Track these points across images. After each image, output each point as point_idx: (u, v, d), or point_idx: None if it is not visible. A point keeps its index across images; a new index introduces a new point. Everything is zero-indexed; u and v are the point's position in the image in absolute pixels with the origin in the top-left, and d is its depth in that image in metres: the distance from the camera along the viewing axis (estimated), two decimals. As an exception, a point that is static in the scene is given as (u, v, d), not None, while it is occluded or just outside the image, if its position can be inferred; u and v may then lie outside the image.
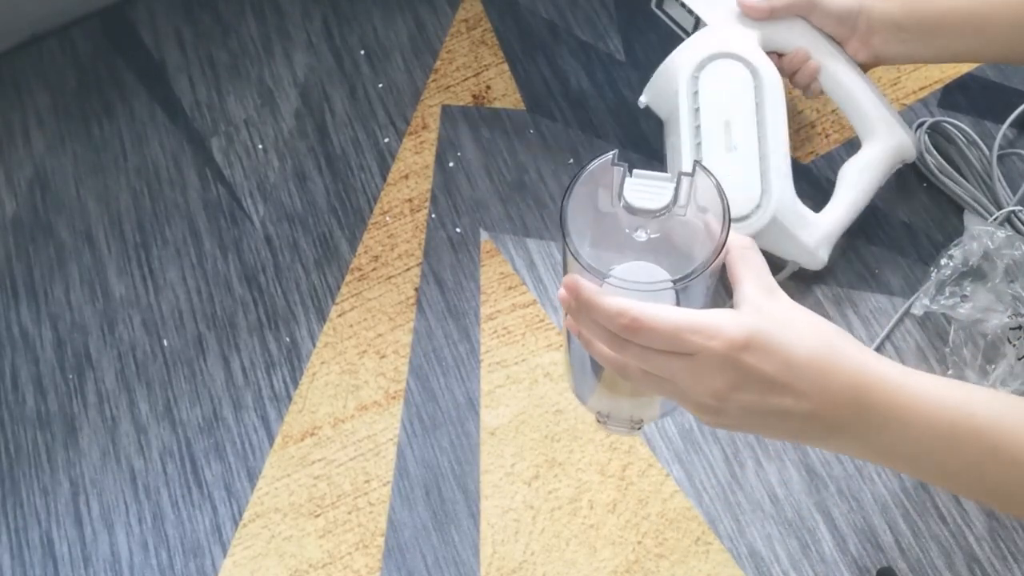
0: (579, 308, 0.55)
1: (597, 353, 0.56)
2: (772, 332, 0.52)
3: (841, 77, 0.92)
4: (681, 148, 0.88)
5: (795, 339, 0.53)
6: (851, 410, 0.53)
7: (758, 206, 0.85)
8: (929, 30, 0.83)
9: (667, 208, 0.56)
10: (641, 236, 0.58)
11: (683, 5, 0.93)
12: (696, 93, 0.88)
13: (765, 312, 0.53)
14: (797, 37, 0.90)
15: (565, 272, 0.57)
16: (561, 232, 0.55)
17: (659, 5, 0.98)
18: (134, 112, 1.10)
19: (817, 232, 0.90)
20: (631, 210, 0.56)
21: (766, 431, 0.55)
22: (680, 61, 0.89)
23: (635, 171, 0.57)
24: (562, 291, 0.55)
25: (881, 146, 0.91)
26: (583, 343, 0.57)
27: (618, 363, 0.55)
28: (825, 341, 0.54)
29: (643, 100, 0.92)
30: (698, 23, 0.92)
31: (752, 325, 0.52)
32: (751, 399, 0.53)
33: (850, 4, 0.86)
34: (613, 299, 0.53)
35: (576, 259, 0.54)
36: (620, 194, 0.56)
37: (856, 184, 0.91)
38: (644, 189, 0.56)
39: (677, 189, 0.56)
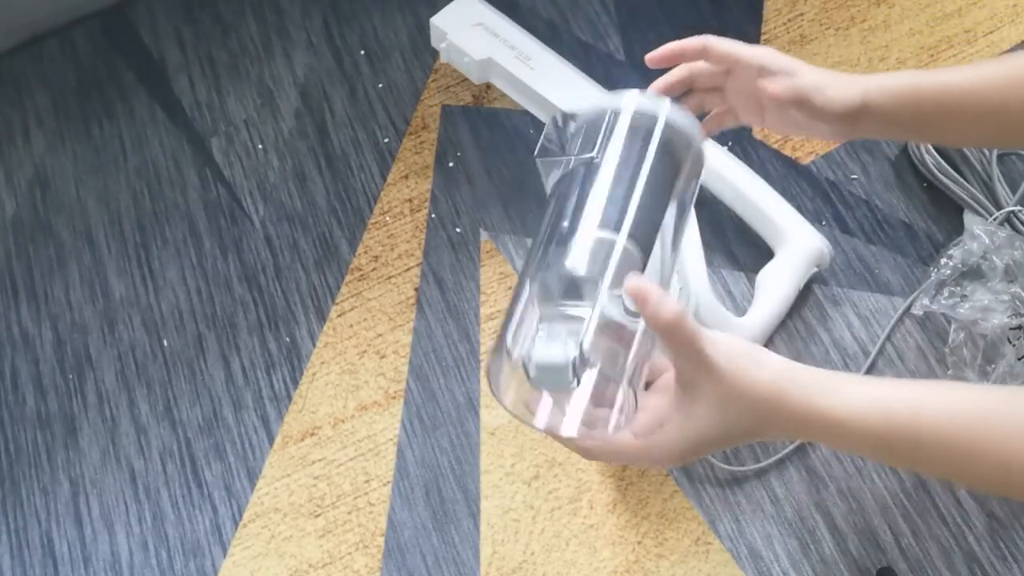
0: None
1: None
2: (709, 434, 0.59)
3: (745, 188, 0.92)
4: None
5: (735, 422, 0.58)
6: (795, 433, 0.60)
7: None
8: (925, 120, 0.73)
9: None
10: None
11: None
12: None
13: (694, 406, 0.59)
14: None
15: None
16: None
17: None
18: (134, 112, 1.10)
19: (745, 334, 0.88)
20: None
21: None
22: None
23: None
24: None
25: (793, 253, 0.91)
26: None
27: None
28: (765, 408, 0.58)
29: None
30: None
31: (683, 446, 0.59)
32: (705, 454, 0.63)
33: (852, 98, 0.71)
34: (569, 432, 0.59)
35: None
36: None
37: (774, 291, 0.91)
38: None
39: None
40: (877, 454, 0.60)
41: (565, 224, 0.62)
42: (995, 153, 0.95)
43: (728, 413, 0.58)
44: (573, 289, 0.59)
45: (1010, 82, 0.69)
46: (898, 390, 0.59)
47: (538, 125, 1.04)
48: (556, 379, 0.57)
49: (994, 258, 0.88)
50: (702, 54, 0.75)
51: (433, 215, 1.02)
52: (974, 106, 0.69)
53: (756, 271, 0.93)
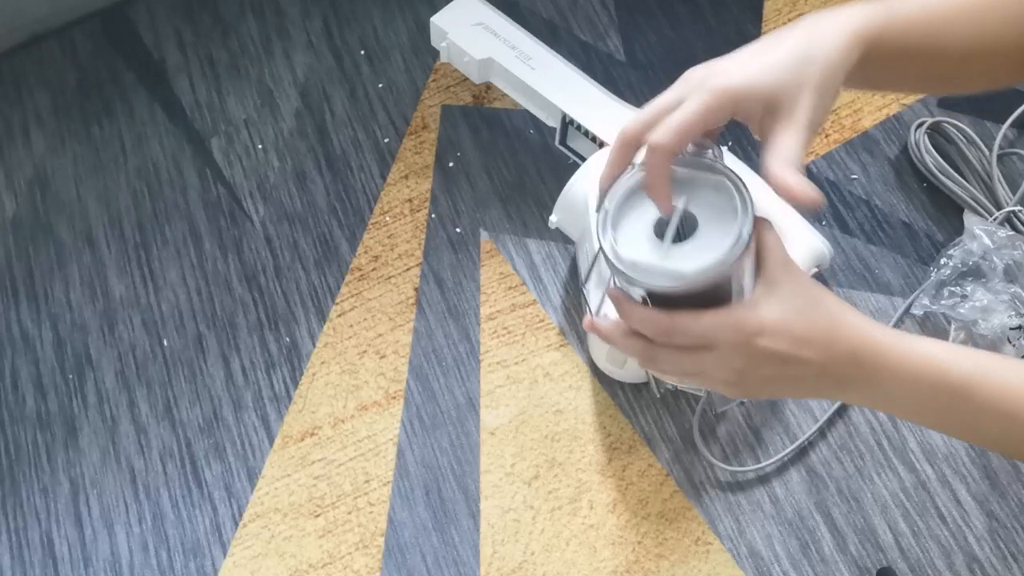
0: (618, 321, 0.62)
1: (628, 350, 0.64)
2: (782, 315, 0.59)
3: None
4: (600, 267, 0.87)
5: (802, 318, 0.60)
6: (850, 370, 0.61)
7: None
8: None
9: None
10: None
11: (586, 134, 0.95)
12: None
13: (777, 292, 0.60)
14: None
15: (584, 279, 0.60)
16: (598, 242, 0.59)
17: (563, 142, 0.99)
18: (134, 112, 1.10)
19: None
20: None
21: (782, 394, 0.65)
22: (587, 176, 0.90)
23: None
24: (589, 320, 0.64)
25: (793, 253, 0.90)
26: (615, 344, 0.64)
27: (649, 362, 0.63)
28: (827, 313, 0.61)
29: (553, 220, 0.93)
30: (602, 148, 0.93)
31: (764, 315, 0.59)
32: (767, 372, 0.61)
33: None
34: (644, 315, 0.60)
35: (616, 271, 0.58)
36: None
37: None
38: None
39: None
40: (919, 402, 0.62)
41: None
42: (995, 153, 0.95)
43: (802, 306, 0.60)
44: None
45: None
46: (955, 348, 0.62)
47: (538, 125, 1.04)
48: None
49: (994, 258, 0.88)
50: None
51: (433, 215, 1.02)
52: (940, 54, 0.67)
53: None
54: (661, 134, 0.58)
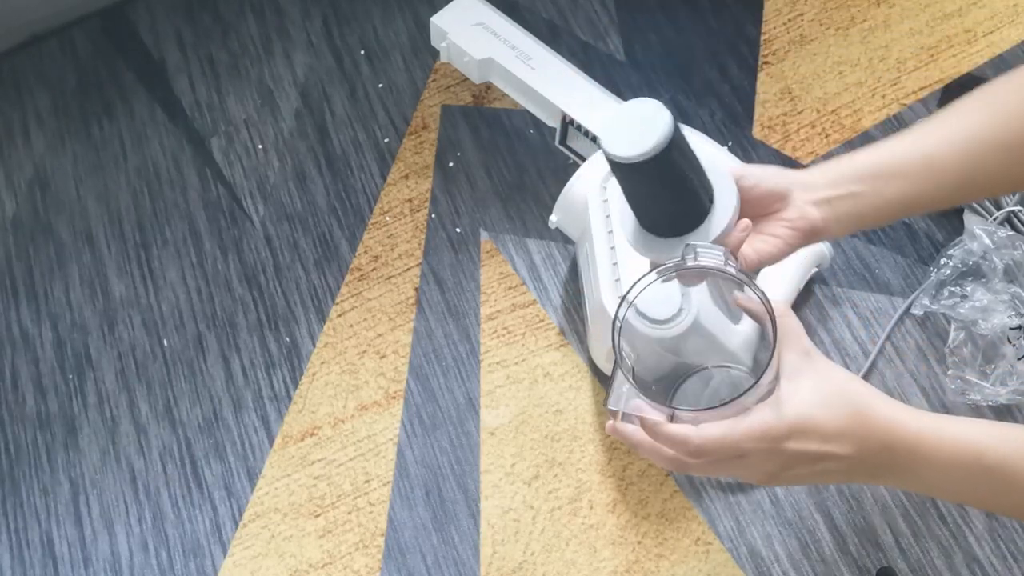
0: (644, 438, 0.63)
1: (659, 462, 0.64)
2: (809, 416, 0.60)
3: None
4: (597, 263, 0.87)
5: (829, 413, 0.60)
6: (884, 460, 0.61)
7: (680, 310, 0.80)
8: (877, 175, 0.71)
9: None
10: None
11: (586, 134, 0.95)
12: (606, 201, 0.88)
13: (801, 387, 0.60)
14: None
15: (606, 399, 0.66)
16: (621, 369, 0.62)
17: (563, 142, 0.99)
18: (134, 112, 1.10)
19: (738, 338, 0.88)
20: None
21: (816, 483, 0.68)
22: (587, 176, 0.90)
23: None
24: (613, 425, 0.64)
25: (795, 253, 0.91)
26: (644, 452, 0.64)
27: (682, 470, 0.64)
28: (856, 407, 0.60)
29: (553, 220, 0.93)
30: None
31: (791, 418, 0.59)
32: (801, 471, 0.61)
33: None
34: (673, 433, 0.61)
35: (645, 396, 0.62)
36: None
37: (774, 292, 0.90)
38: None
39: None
40: (955, 487, 0.62)
41: None
42: (995, 153, 0.95)
43: (827, 400, 0.60)
44: None
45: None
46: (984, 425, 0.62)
47: (538, 125, 1.04)
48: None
49: (994, 258, 0.88)
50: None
51: (433, 215, 1.02)
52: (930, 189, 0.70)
53: (756, 271, 0.93)
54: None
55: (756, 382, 0.60)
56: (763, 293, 0.62)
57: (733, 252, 0.66)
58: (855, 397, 0.61)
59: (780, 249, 0.69)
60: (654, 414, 0.62)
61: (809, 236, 0.69)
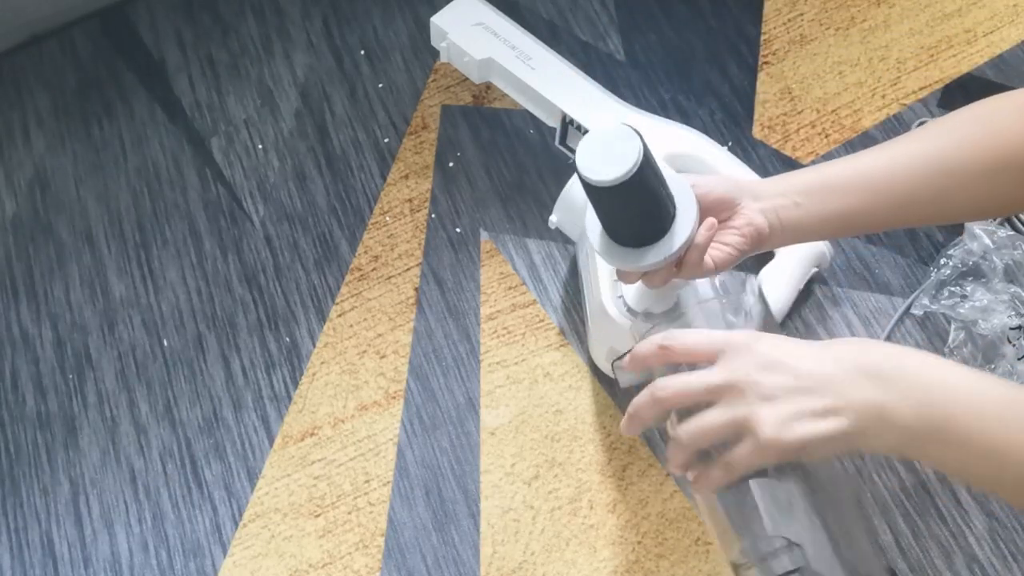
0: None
1: (680, 472, 0.66)
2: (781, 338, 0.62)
3: None
4: (597, 263, 0.87)
5: (806, 344, 0.62)
6: (876, 361, 0.60)
7: (678, 303, 0.79)
8: (821, 188, 0.74)
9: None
10: None
11: (586, 134, 0.95)
12: None
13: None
14: (692, 164, 0.93)
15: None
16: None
17: (563, 142, 0.99)
18: (134, 112, 1.10)
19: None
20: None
21: (820, 426, 0.59)
22: None
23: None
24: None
25: (793, 253, 0.91)
26: (672, 467, 0.65)
27: (695, 476, 0.64)
28: (843, 342, 0.62)
29: (553, 220, 0.93)
30: None
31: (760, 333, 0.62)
32: (783, 380, 0.59)
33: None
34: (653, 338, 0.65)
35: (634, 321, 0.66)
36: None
37: (774, 292, 0.91)
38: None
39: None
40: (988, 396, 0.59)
41: None
42: (995, 153, 0.95)
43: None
44: None
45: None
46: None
47: (538, 125, 1.04)
48: None
49: (994, 258, 0.88)
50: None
51: (433, 215, 1.02)
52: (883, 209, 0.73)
53: (756, 271, 0.93)
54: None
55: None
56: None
57: (700, 252, 0.70)
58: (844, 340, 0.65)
59: (731, 256, 0.72)
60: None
61: (756, 243, 0.72)
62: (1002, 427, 0.57)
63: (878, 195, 0.71)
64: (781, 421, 0.59)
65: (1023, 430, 0.56)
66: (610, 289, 0.86)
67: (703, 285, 0.74)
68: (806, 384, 0.59)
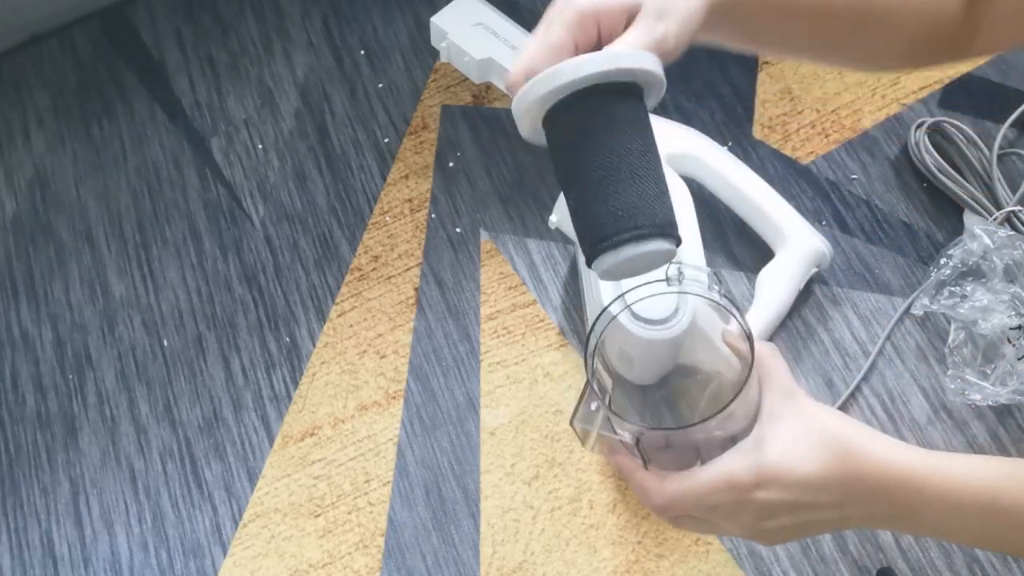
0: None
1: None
2: (780, 463, 0.55)
3: (745, 188, 0.92)
4: None
5: (808, 458, 0.55)
6: (884, 506, 0.56)
7: (676, 310, 0.79)
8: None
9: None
10: None
11: None
12: None
13: (778, 430, 0.56)
14: (692, 164, 0.93)
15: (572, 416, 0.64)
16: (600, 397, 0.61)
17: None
18: (134, 112, 1.10)
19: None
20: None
21: (814, 534, 0.61)
22: None
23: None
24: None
25: (793, 253, 0.91)
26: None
27: (676, 526, 0.63)
28: (840, 448, 0.56)
29: (553, 220, 0.93)
30: None
31: (759, 464, 0.55)
32: (782, 522, 0.57)
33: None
34: (642, 486, 0.60)
35: (621, 418, 0.60)
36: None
37: (774, 292, 0.91)
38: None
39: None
40: (970, 531, 0.58)
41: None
42: (995, 153, 0.95)
43: (806, 443, 0.56)
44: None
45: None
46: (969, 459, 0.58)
47: (538, 125, 1.03)
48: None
49: (994, 258, 0.88)
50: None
51: (433, 215, 1.02)
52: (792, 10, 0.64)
53: (756, 271, 0.93)
54: (529, 61, 0.58)
55: (723, 408, 0.56)
56: (746, 323, 0.59)
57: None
58: (840, 438, 0.56)
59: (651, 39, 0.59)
60: (625, 456, 0.60)
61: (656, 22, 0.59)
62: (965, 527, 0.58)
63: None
64: (785, 539, 0.60)
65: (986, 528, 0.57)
66: (610, 289, 0.86)
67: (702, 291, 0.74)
68: (803, 520, 0.57)
